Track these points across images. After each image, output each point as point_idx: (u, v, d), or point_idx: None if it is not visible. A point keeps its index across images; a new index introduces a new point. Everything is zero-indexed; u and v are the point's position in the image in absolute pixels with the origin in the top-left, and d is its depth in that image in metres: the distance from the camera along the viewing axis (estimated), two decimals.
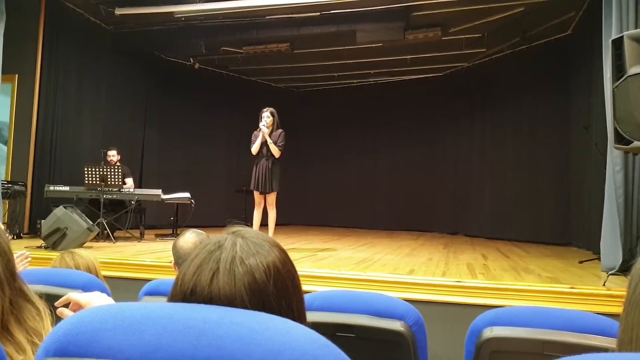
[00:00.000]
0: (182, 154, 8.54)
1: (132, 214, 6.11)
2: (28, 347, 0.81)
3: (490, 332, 1.32)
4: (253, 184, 5.15)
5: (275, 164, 5.14)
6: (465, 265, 4.40)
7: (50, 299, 1.09)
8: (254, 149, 5.13)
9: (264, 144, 5.10)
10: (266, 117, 5.11)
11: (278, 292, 0.66)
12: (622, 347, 0.68)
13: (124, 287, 3.43)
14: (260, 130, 5.09)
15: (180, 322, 0.55)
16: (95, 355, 0.54)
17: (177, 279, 0.68)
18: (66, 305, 1.05)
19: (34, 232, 5.74)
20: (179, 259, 1.90)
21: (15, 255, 1.01)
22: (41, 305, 0.90)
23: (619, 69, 3.15)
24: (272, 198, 5.14)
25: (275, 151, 5.08)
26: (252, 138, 5.18)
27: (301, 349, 0.51)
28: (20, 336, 0.81)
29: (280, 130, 5.15)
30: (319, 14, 6.48)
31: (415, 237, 7.91)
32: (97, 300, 1.05)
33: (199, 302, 0.63)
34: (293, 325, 0.55)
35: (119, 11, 6.53)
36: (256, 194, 5.19)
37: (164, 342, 0.53)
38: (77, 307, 1.04)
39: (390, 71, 8.97)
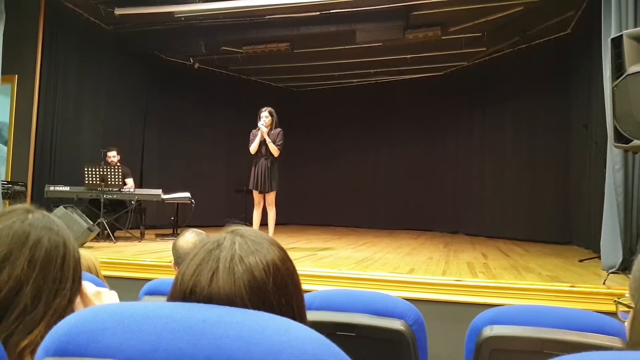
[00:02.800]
0: (182, 154, 8.54)
1: (133, 213, 6.11)
2: None
3: (490, 331, 1.32)
4: (252, 183, 5.15)
5: (274, 163, 5.15)
6: (466, 264, 4.40)
7: None
8: (253, 148, 5.14)
9: (263, 143, 5.11)
10: (265, 117, 5.12)
11: (278, 290, 0.66)
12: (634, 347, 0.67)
13: (125, 287, 3.42)
14: (258, 129, 5.10)
15: (179, 321, 0.55)
16: (95, 355, 0.54)
17: (176, 278, 0.68)
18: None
19: None
20: (179, 258, 1.90)
21: None
22: None
23: (618, 67, 3.14)
24: (271, 197, 5.15)
25: (274, 150, 5.08)
26: (251, 137, 5.18)
27: (301, 348, 0.51)
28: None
29: (278, 130, 5.16)
30: (318, 13, 6.48)
31: (415, 236, 7.91)
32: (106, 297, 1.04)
33: (198, 301, 0.63)
34: (293, 325, 0.55)
35: (118, 11, 6.52)
36: (255, 194, 5.19)
37: (164, 342, 0.53)
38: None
39: (390, 71, 8.97)
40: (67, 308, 0.87)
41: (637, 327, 0.68)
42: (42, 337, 0.82)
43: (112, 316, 0.57)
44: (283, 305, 0.66)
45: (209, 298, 0.63)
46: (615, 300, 0.85)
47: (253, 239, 0.69)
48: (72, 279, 0.88)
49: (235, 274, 0.65)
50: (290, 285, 0.69)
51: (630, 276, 0.76)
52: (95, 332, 0.55)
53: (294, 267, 0.72)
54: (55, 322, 0.83)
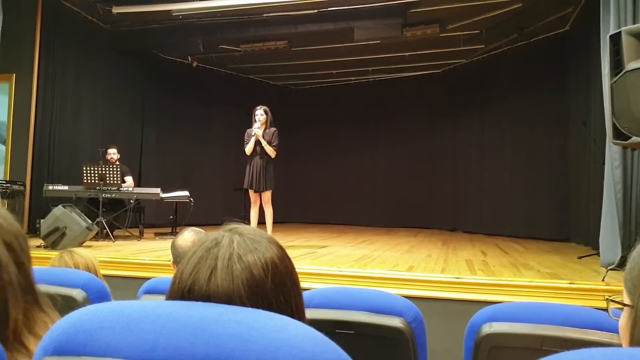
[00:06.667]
0: (180, 153, 8.53)
1: (131, 212, 6.10)
2: None
3: (489, 328, 1.32)
4: (247, 182, 5.15)
5: (269, 162, 5.15)
6: (465, 261, 4.41)
7: (49, 298, 1.09)
8: (248, 149, 5.14)
9: (258, 143, 5.10)
10: (260, 115, 5.11)
11: (276, 288, 0.66)
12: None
13: (124, 286, 3.44)
14: (253, 129, 5.10)
15: (178, 320, 0.55)
16: (94, 354, 0.54)
17: (175, 276, 0.68)
18: None
19: (33, 231, 5.73)
20: (178, 257, 1.90)
21: None
22: (55, 315, 0.88)
23: (616, 64, 3.14)
24: (267, 196, 5.15)
25: (271, 151, 5.08)
26: (245, 137, 5.18)
27: (299, 346, 0.51)
28: (33, 347, 0.79)
29: (273, 129, 5.15)
30: (316, 11, 6.47)
31: (414, 233, 7.91)
32: None
33: (197, 299, 0.63)
34: (291, 323, 0.55)
35: (116, 9, 6.51)
36: (251, 193, 5.19)
37: (162, 340, 0.53)
38: None
39: (388, 68, 8.97)
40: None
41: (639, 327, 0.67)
42: (25, 315, 0.81)
43: (110, 315, 0.57)
44: (282, 304, 0.66)
45: (208, 296, 0.63)
46: (606, 298, 0.84)
47: (252, 237, 0.69)
48: (27, 282, 0.83)
49: (233, 272, 0.64)
50: (288, 283, 0.69)
51: (625, 272, 0.76)
52: (93, 331, 0.55)
53: (292, 265, 0.72)
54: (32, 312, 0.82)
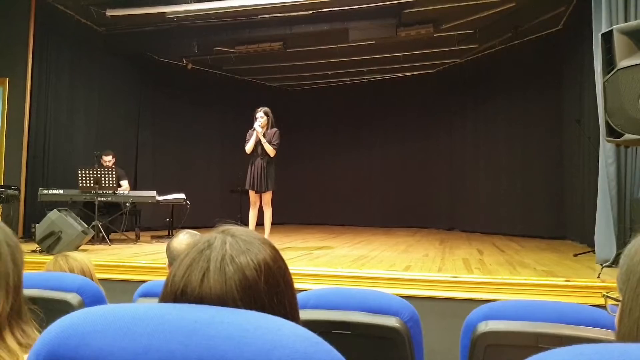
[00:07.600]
0: (176, 155, 8.52)
1: (127, 216, 6.08)
2: (20, 355, 0.80)
3: (485, 326, 1.32)
4: (248, 183, 5.14)
5: (271, 163, 5.14)
6: (461, 260, 4.42)
7: (44, 303, 1.09)
8: (248, 147, 5.14)
9: (259, 143, 5.11)
10: (260, 117, 5.12)
11: (269, 289, 0.66)
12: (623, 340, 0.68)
13: (120, 290, 3.43)
14: (254, 130, 5.10)
15: (170, 322, 0.54)
16: (86, 358, 0.54)
17: (167, 279, 0.68)
18: None
19: (28, 236, 5.71)
20: (173, 260, 1.89)
21: None
22: (29, 323, 0.89)
23: (609, 62, 3.15)
24: (267, 197, 5.14)
25: (270, 150, 5.08)
26: (247, 137, 5.18)
27: (292, 347, 0.51)
28: (11, 343, 0.80)
29: (274, 129, 5.16)
30: (311, 12, 6.48)
31: (411, 233, 7.92)
32: None
33: (189, 302, 0.63)
34: (284, 324, 0.55)
35: (110, 12, 6.49)
36: (251, 193, 5.18)
37: (155, 343, 0.53)
38: None
39: (383, 68, 8.98)
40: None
41: (625, 320, 0.68)
42: (11, 308, 0.82)
43: (102, 318, 0.56)
44: (275, 305, 0.66)
45: (200, 298, 0.63)
46: (603, 295, 0.85)
47: (244, 239, 0.69)
48: (18, 281, 0.86)
49: (226, 273, 0.64)
50: (282, 284, 0.68)
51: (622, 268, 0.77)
52: (86, 335, 0.55)
53: (286, 266, 0.71)
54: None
